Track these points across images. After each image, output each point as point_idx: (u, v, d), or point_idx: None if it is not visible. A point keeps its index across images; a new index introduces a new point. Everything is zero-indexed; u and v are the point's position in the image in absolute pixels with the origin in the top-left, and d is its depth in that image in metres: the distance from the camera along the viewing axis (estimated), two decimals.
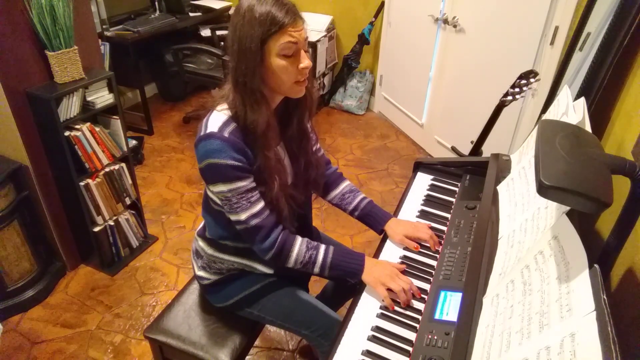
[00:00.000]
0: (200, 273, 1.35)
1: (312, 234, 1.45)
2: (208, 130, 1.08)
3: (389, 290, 1.12)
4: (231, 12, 3.84)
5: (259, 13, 1.00)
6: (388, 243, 1.33)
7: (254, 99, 1.07)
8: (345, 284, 1.44)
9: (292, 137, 1.23)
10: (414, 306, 1.11)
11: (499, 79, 2.36)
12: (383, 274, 1.15)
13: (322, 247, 1.21)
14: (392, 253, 1.29)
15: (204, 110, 1.17)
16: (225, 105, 1.12)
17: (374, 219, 1.39)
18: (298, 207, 1.25)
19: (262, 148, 1.11)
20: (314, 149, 1.32)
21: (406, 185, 1.55)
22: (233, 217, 1.15)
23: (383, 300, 1.12)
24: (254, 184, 1.13)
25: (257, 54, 1.02)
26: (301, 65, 1.07)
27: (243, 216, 1.13)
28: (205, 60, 3.43)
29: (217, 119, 1.10)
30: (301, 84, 1.11)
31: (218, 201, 1.18)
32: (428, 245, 1.28)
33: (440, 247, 1.27)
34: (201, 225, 1.37)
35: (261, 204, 1.14)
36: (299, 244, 1.19)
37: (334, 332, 1.20)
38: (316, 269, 1.21)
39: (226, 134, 1.07)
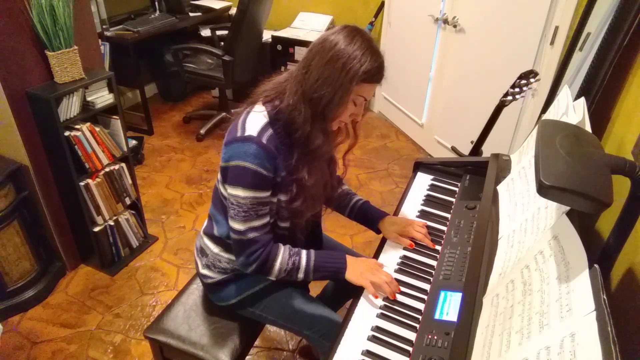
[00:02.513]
0: (204, 271, 1.35)
1: (322, 242, 1.47)
2: (247, 133, 1.08)
3: (373, 283, 1.15)
4: (232, 12, 3.85)
5: (373, 59, 1.04)
6: (388, 243, 1.33)
7: (325, 125, 1.11)
8: (345, 285, 1.44)
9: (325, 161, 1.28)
10: (414, 306, 1.11)
11: (499, 79, 2.36)
12: (365, 269, 1.18)
13: (304, 252, 1.22)
14: (392, 253, 1.29)
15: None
16: (262, 108, 1.12)
17: (370, 218, 1.41)
18: (314, 223, 1.32)
19: (315, 167, 1.16)
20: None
21: (406, 185, 1.55)
22: (233, 224, 1.14)
23: (385, 299, 1.13)
24: (270, 198, 1.14)
25: (348, 91, 1.05)
26: (356, 117, 1.16)
27: (244, 226, 1.13)
28: (205, 60, 3.43)
29: (256, 121, 1.10)
30: (341, 123, 1.18)
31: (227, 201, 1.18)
32: (424, 243, 1.30)
33: (440, 247, 1.27)
34: (207, 223, 1.36)
35: (265, 220, 1.15)
36: (282, 253, 1.19)
37: (335, 332, 1.20)
38: (300, 274, 1.20)
39: (264, 140, 1.08)
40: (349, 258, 1.22)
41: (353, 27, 1.08)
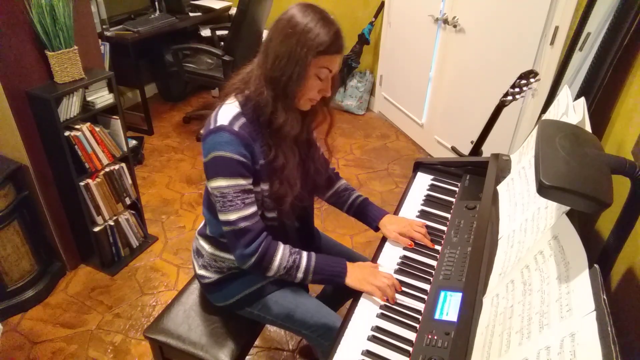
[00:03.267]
0: (201, 272, 1.35)
1: (314, 235, 1.46)
2: (218, 123, 1.09)
3: (376, 287, 1.14)
4: (232, 12, 3.85)
5: (322, 32, 1.05)
6: (388, 243, 1.33)
7: (288, 103, 1.11)
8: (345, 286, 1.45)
9: (301, 144, 1.27)
10: (414, 306, 1.11)
11: (499, 79, 2.36)
12: (365, 274, 1.17)
13: (305, 252, 1.21)
14: (392, 253, 1.29)
15: (209, 108, 1.19)
16: (233, 100, 1.14)
17: (369, 216, 1.41)
18: (303, 207, 1.29)
19: (282, 147, 1.15)
20: (319, 155, 1.36)
21: (406, 185, 1.55)
22: (222, 217, 1.13)
23: (376, 298, 1.13)
24: (251, 186, 1.14)
25: (307, 63, 1.06)
26: (324, 92, 1.15)
27: (233, 216, 1.12)
28: (205, 60, 3.43)
29: (227, 112, 1.12)
30: (312, 102, 1.16)
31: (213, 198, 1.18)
32: (424, 243, 1.29)
33: (440, 247, 1.27)
34: (202, 223, 1.37)
35: (253, 208, 1.15)
36: (282, 249, 1.18)
37: (334, 332, 1.20)
38: (300, 274, 1.18)
39: (236, 128, 1.09)
40: (348, 264, 1.21)
41: (304, 3, 1.09)
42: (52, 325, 1.96)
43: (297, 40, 1.04)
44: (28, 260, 2.00)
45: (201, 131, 1.14)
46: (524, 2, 2.25)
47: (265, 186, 1.17)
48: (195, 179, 2.97)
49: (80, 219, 2.05)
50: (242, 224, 1.13)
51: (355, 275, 1.19)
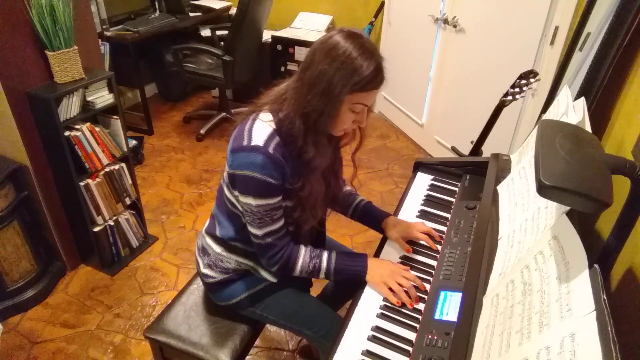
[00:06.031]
0: (205, 271, 1.34)
1: (323, 240, 1.47)
2: (253, 143, 1.07)
3: (391, 290, 1.13)
4: (232, 12, 3.85)
5: (360, 68, 0.99)
6: (388, 243, 1.33)
7: (319, 138, 1.10)
8: (345, 284, 1.45)
9: (330, 161, 1.26)
10: (414, 306, 1.11)
11: (499, 79, 2.36)
12: (385, 274, 1.16)
13: (325, 254, 1.22)
14: (392, 253, 1.29)
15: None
16: (270, 116, 1.11)
17: (373, 218, 1.40)
18: (319, 225, 1.30)
19: (310, 179, 1.14)
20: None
21: (406, 185, 1.55)
22: (250, 229, 1.16)
23: (384, 299, 1.13)
24: (281, 203, 1.14)
25: (340, 101, 1.03)
26: (359, 124, 1.14)
27: (261, 232, 1.14)
28: (205, 60, 3.43)
29: (262, 130, 1.09)
30: (346, 131, 1.15)
31: (239, 207, 1.18)
32: (428, 245, 1.28)
33: (440, 247, 1.27)
34: (210, 222, 1.36)
35: (281, 223, 1.16)
36: (302, 255, 1.21)
37: (335, 331, 1.20)
38: (321, 276, 1.22)
39: (271, 150, 1.07)
40: (370, 261, 1.21)
41: (347, 32, 1.02)
42: (52, 325, 1.96)
43: (333, 74, 1.00)
44: (28, 260, 2.00)
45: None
46: (524, 2, 2.25)
47: (289, 203, 1.17)
48: (195, 179, 2.97)
49: (80, 219, 2.05)
50: (269, 239, 1.16)
51: (375, 273, 1.18)
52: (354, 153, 1.28)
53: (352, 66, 0.99)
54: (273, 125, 1.10)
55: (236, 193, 1.14)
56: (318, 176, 1.19)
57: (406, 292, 1.13)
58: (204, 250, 1.35)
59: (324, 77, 1.01)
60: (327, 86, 1.01)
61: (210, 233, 1.34)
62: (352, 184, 1.41)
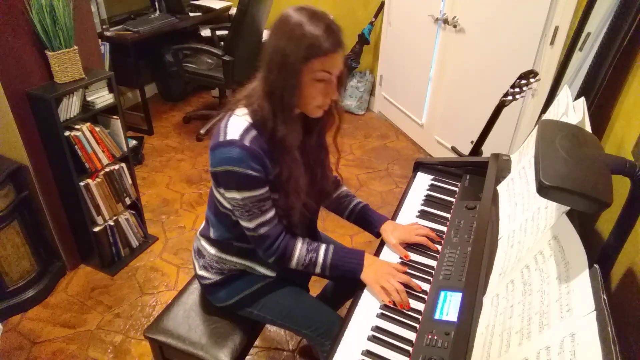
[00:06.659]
0: (202, 273, 1.35)
1: (317, 238, 1.46)
2: (228, 137, 1.07)
3: (384, 289, 1.13)
4: (232, 12, 3.85)
5: (309, 33, 0.99)
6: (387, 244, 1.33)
7: (287, 114, 1.08)
8: (346, 284, 1.45)
9: (311, 149, 1.25)
10: (414, 306, 1.11)
11: (499, 79, 2.36)
12: (380, 273, 1.16)
13: (322, 247, 1.22)
14: (391, 254, 1.29)
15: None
16: (245, 110, 1.11)
17: (369, 222, 1.39)
18: (310, 214, 1.28)
19: (281, 160, 1.12)
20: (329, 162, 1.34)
21: (406, 185, 1.55)
22: (243, 223, 1.16)
23: (382, 300, 1.13)
24: (268, 193, 1.14)
25: (297, 72, 1.02)
26: (328, 96, 1.09)
27: (252, 224, 1.15)
28: (205, 60, 3.43)
29: (237, 124, 1.09)
30: (321, 109, 1.12)
31: (227, 205, 1.18)
32: (427, 245, 1.28)
33: (440, 247, 1.27)
34: (204, 225, 1.37)
35: (272, 213, 1.16)
36: (299, 247, 1.21)
37: (335, 331, 1.20)
38: (317, 270, 1.22)
39: (247, 143, 1.07)
40: (367, 258, 1.21)
41: (296, 6, 1.03)
42: (52, 325, 1.96)
43: (284, 46, 1.01)
44: (28, 260, 2.00)
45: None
46: (524, 2, 2.25)
47: (275, 196, 1.16)
48: (195, 179, 2.97)
49: (80, 219, 2.05)
50: (262, 230, 1.15)
51: (370, 271, 1.18)
52: (335, 137, 1.27)
53: (301, 32, 0.99)
54: (249, 119, 1.10)
55: (222, 190, 1.14)
56: (294, 156, 1.14)
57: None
58: (199, 253, 1.36)
59: (279, 52, 1.02)
60: (283, 59, 1.01)
61: (205, 235, 1.35)
62: (338, 172, 1.39)
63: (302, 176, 1.19)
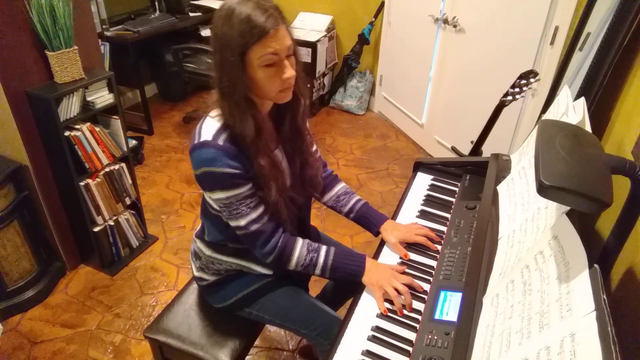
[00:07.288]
0: (199, 274, 1.36)
1: (311, 235, 1.44)
2: (202, 139, 1.07)
3: (386, 294, 1.12)
4: None
5: (238, 20, 0.96)
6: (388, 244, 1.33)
7: (239, 109, 1.06)
8: (346, 284, 1.44)
9: (286, 138, 1.22)
10: (414, 306, 1.11)
11: (499, 79, 2.36)
12: (382, 277, 1.14)
13: (323, 248, 1.21)
14: (391, 254, 1.29)
15: (198, 116, 1.16)
16: (218, 111, 1.11)
17: (369, 221, 1.38)
18: (298, 210, 1.25)
19: (254, 156, 1.09)
20: (312, 149, 1.31)
21: (406, 185, 1.55)
22: (233, 223, 1.15)
23: (385, 300, 1.13)
24: (252, 190, 1.12)
25: (238, 66, 1.00)
26: (284, 76, 1.03)
27: (243, 222, 1.13)
28: (205, 60, 3.43)
29: (210, 126, 1.09)
30: (286, 91, 1.08)
31: (215, 206, 1.18)
32: (427, 245, 1.28)
33: (440, 247, 1.27)
34: (199, 227, 1.37)
35: (261, 209, 1.14)
36: (300, 247, 1.19)
37: (334, 331, 1.20)
38: (317, 271, 1.21)
39: (220, 142, 1.06)
40: (369, 262, 1.20)
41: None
42: (52, 325, 1.96)
43: (220, 43, 1.00)
44: (28, 260, 2.00)
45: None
46: (524, 2, 2.25)
47: (260, 193, 1.15)
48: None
49: (80, 219, 2.05)
50: (253, 227, 1.14)
51: (371, 275, 1.16)
52: (304, 120, 1.22)
53: (232, 21, 0.97)
54: (221, 120, 1.09)
55: (208, 193, 1.14)
56: (268, 149, 1.12)
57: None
58: (196, 255, 1.36)
59: (217, 50, 1.02)
60: (222, 56, 1.01)
61: (200, 237, 1.35)
62: (335, 172, 1.36)
63: (281, 168, 1.17)
